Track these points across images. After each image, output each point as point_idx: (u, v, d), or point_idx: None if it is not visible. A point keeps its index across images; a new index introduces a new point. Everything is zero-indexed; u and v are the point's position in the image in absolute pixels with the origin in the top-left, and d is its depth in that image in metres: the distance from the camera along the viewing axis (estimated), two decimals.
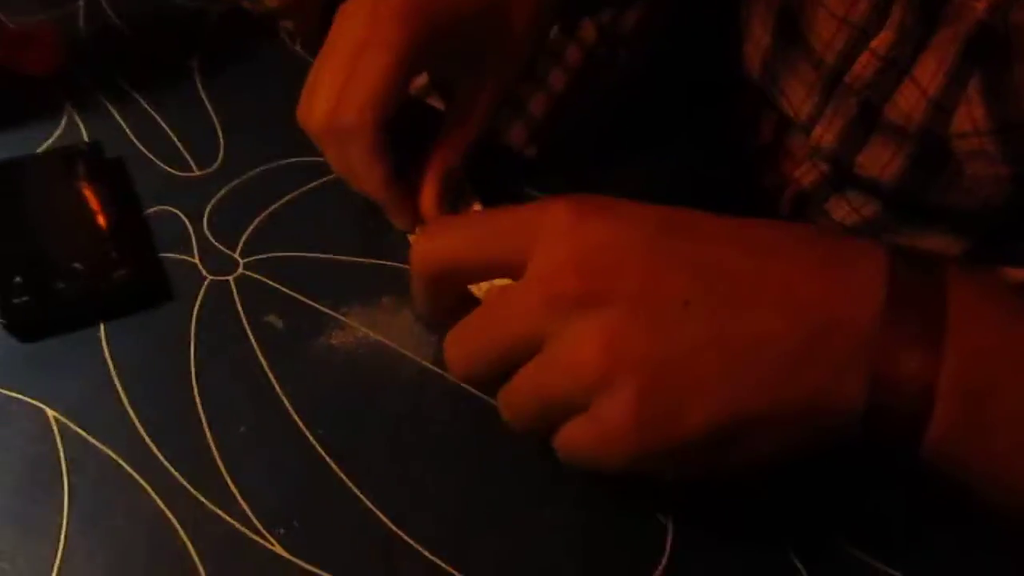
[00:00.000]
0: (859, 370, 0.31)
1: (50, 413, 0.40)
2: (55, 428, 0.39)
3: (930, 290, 0.32)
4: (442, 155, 0.46)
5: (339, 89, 0.42)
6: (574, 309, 0.31)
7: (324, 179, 0.52)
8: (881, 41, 0.44)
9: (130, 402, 0.40)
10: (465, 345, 0.35)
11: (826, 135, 0.49)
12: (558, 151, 0.54)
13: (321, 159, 0.52)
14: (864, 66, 0.45)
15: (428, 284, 0.37)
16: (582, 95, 0.69)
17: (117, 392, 0.41)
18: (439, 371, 0.43)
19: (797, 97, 0.52)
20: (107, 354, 0.42)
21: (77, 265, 0.44)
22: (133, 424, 0.39)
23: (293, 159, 0.53)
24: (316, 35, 0.63)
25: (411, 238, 0.48)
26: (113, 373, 0.41)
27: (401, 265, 0.47)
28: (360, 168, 0.44)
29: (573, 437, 0.32)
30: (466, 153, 0.47)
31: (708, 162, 0.69)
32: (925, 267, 0.32)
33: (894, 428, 0.31)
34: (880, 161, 0.47)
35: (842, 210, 0.53)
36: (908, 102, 0.44)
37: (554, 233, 0.33)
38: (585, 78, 0.72)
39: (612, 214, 0.33)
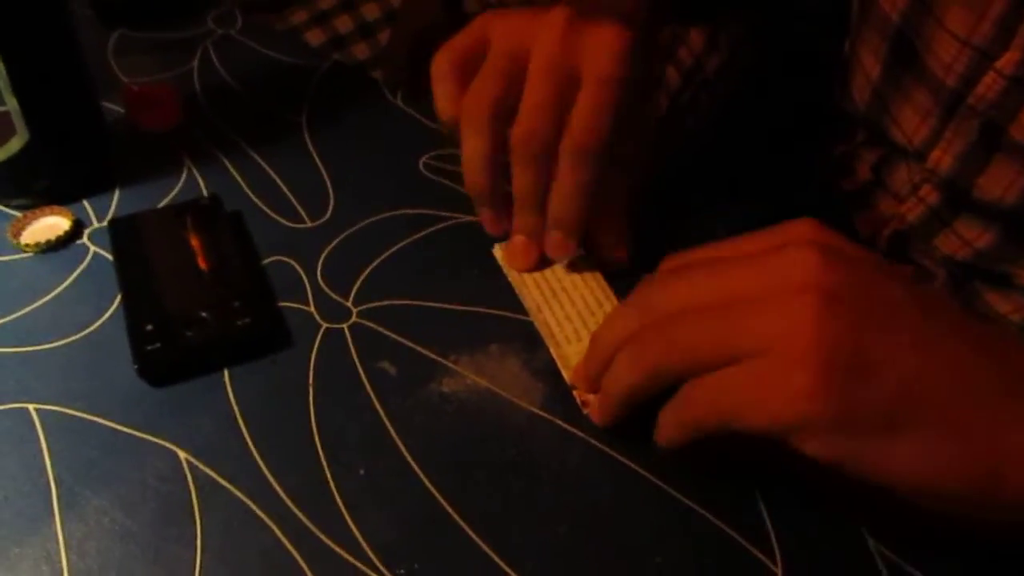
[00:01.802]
0: None
1: (181, 455, 0.42)
2: (186, 468, 0.41)
3: None
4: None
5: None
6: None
7: (429, 230, 0.54)
8: (1007, 61, 0.44)
9: (254, 444, 0.42)
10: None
11: (944, 158, 0.49)
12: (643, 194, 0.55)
13: (426, 210, 0.54)
14: (988, 87, 0.45)
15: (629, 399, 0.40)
16: (665, 138, 0.70)
17: (242, 434, 0.43)
18: (547, 416, 0.44)
19: (911, 123, 0.52)
20: (232, 398, 0.44)
21: (204, 314, 0.46)
22: (258, 465, 0.41)
23: (399, 211, 0.55)
24: (406, 84, 0.66)
25: (497, 250, 0.50)
26: (238, 416, 0.43)
27: (505, 313, 0.49)
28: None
29: (739, 382, 0.34)
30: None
31: (797, 208, 0.69)
32: None
33: None
34: (1003, 182, 0.47)
35: (952, 244, 0.53)
36: None
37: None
38: (669, 122, 0.73)
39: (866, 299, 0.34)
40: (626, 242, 0.50)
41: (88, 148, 0.55)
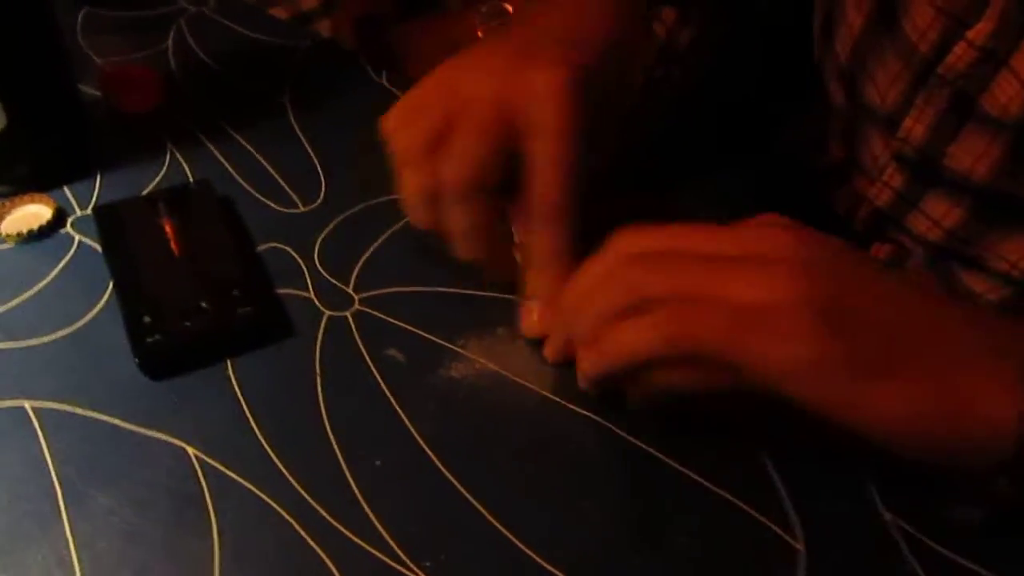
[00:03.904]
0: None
1: (190, 450, 0.41)
2: (196, 464, 0.40)
3: None
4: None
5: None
6: None
7: None
8: (979, 32, 0.44)
9: (265, 437, 0.41)
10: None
11: (916, 127, 0.49)
12: (617, 171, 0.55)
13: None
14: (959, 57, 0.45)
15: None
16: (639, 113, 0.70)
17: (251, 427, 0.42)
18: (559, 400, 0.44)
19: (884, 86, 0.52)
20: (237, 390, 0.43)
21: (203, 304, 0.45)
22: (271, 459, 0.40)
23: (394, 194, 0.54)
24: (350, 41, 0.64)
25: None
26: (245, 408, 0.42)
27: (510, 296, 0.48)
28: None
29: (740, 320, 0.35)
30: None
31: (772, 184, 0.70)
32: None
33: None
34: (973, 153, 0.47)
35: (922, 224, 0.53)
36: (1006, 94, 0.44)
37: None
38: (643, 97, 0.73)
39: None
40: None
41: (67, 132, 0.53)
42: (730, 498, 0.40)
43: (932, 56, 0.47)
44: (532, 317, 0.45)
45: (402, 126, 0.46)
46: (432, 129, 0.44)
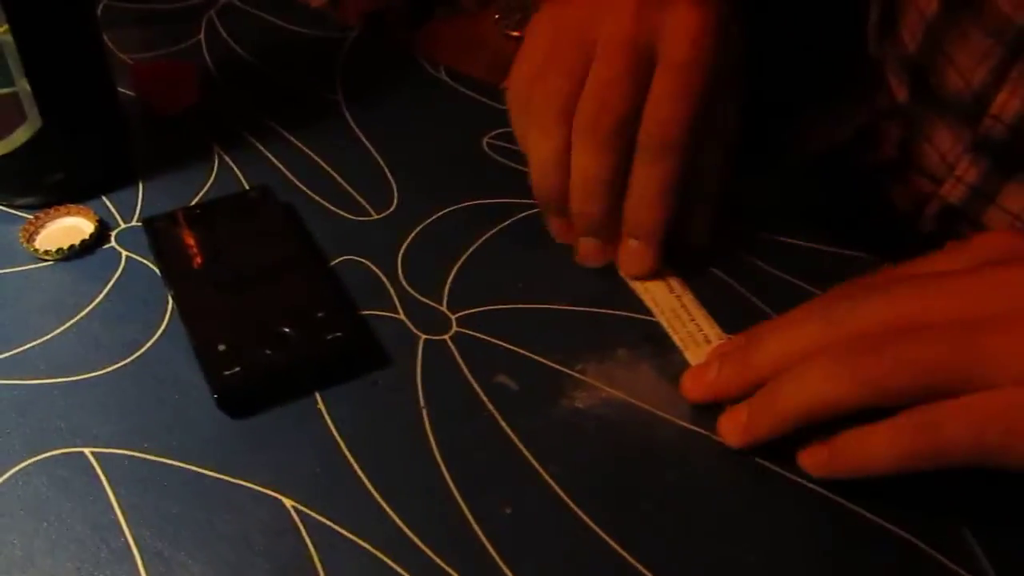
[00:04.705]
0: None
1: (287, 502, 0.34)
2: (296, 519, 0.34)
3: None
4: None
5: None
6: None
7: (512, 219, 0.48)
8: None
9: (372, 483, 0.35)
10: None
11: (1011, 102, 0.46)
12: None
13: (505, 198, 0.48)
14: None
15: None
16: None
17: (354, 472, 0.36)
18: (702, 431, 0.38)
19: (969, 66, 0.49)
20: (332, 428, 0.37)
21: (285, 329, 0.39)
22: (382, 509, 0.34)
23: (474, 200, 0.48)
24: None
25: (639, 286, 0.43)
26: (344, 450, 0.36)
27: (624, 313, 0.43)
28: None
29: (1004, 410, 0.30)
30: None
31: (827, 178, 0.65)
32: None
33: None
34: None
35: (1001, 221, 0.50)
36: None
37: None
38: None
39: None
40: (710, 227, 0.45)
41: (105, 135, 0.47)
42: (915, 541, 0.35)
43: None
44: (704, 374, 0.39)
45: (532, 86, 0.42)
46: (566, 86, 0.40)
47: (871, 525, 0.35)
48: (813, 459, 0.35)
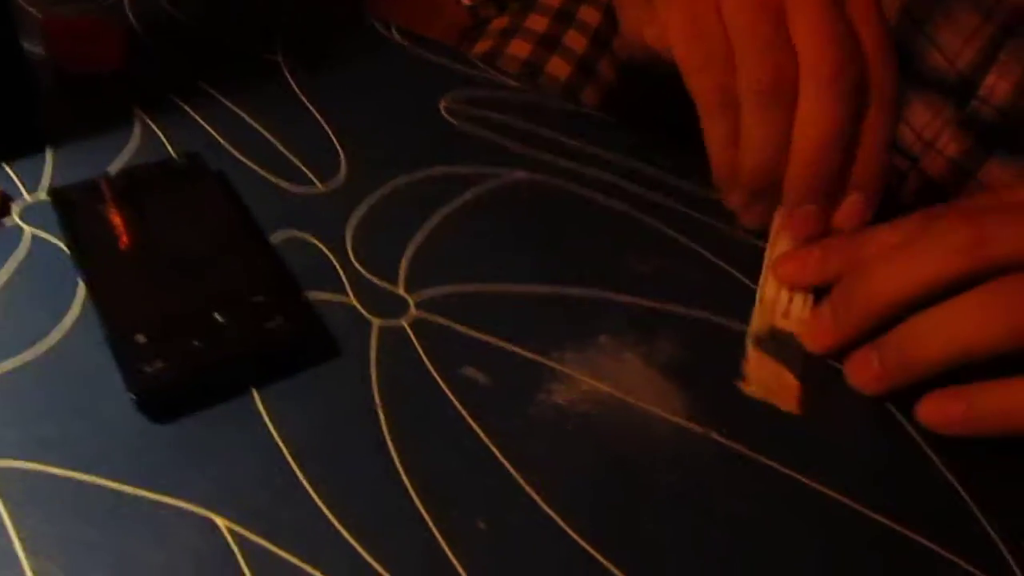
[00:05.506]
0: None
1: (220, 522, 0.29)
2: (231, 542, 0.29)
3: None
4: None
5: None
6: None
7: (476, 190, 0.42)
8: None
9: (321, 498, 0.30)
10: None
11: (1001, 84, 0.45)
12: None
13: (467, 167, 0.43)
14: None
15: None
16: None
17: (301, 485, 0.30)
18: (697, 428, 0.34)
19: (954, 47, 0.47)
20: (273, 431, 0.32)
21: (216, 315, 0.33)
22: (336, 530, 0.29)
23: (432, 168, 0.43)
24: None
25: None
26: (288, 457, 0.31)
27: (605, 294, 0.38)
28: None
29: None
30: None
31: None
32: None
33: None
34: None
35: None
36: None
37: None
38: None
39: None
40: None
41: (8, 96, 0.41)
42: (931, 545, 0.31)
43: (1021, 4, 0.43)
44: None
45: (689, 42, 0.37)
46: (780, 56, 0.36)
47: (885, 529, 0.31)
48: (942, 413, 0.33)
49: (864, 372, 0.34)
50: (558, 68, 0.65)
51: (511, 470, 0.31)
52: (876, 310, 0.34)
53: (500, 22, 0.71)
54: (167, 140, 0.43)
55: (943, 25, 0.48)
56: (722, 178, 0.39)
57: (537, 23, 0.68)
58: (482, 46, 0.69)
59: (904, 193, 0.54)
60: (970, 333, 0.31)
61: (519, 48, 0.67)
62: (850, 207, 0.38)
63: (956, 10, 0.47)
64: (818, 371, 0.36)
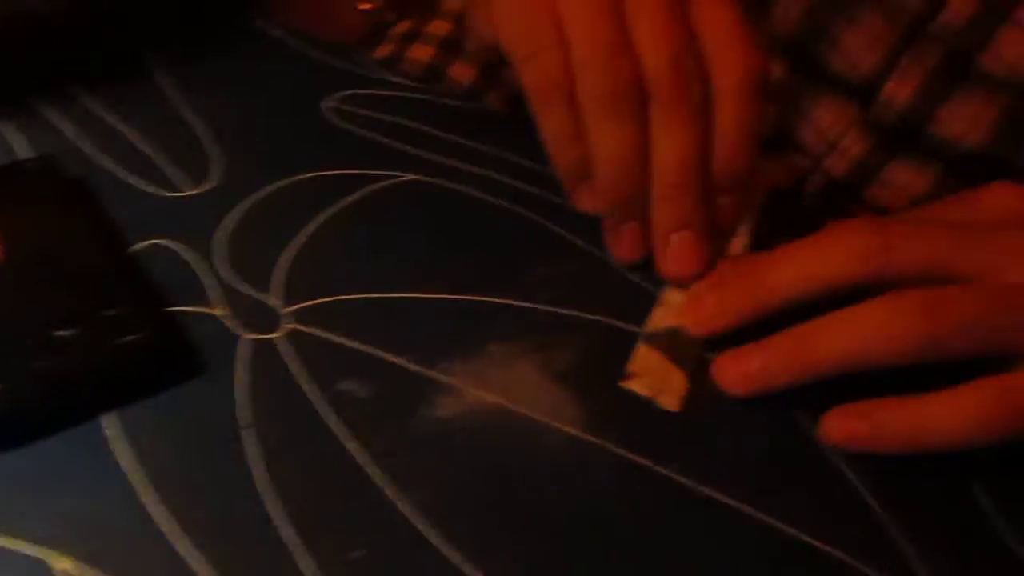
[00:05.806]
0: None
1: (57, 567, 0.26)
2: None
3: None
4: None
5: None
6: None
7: (360, 193, 0.40)
8: None
9: (174, 533, 0.27)
10: None
11: (901, 90, 0.45)
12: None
13: (351, 169, 0.40)
14: (956, 12, 0.41)
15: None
16: None
17: (149, 518, 0.27)
18: (594, 439, 0.32)
19: (857, 50, 0.47)
20: (122, 461, 0.29)
21: (62, 332, 0.30)
22: (190, 569, 0.26)
23: (313, 172, 0.41)
24: None
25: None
26: (137, 490, 0.28)
27: (497, 300, 0.36)
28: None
29: None
30: None
31: None
32: None
33: None
34: (965, 117, 0.42)
35: (884, 195, 0.48)
36: (1014, 51, 0.40)
37: None
38: None
39: None
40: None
41: None
42: (835, 552, 0.30)
43: (925, 13, 0.43)
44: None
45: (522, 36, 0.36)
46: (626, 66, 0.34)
47: (795, 542, 0.30)
48: (846, 431, 0.32)
49: (737, 368, 0.33)
50: (461, 72, 0.64)
51: (387, 491, 0.29)
52: (765, 300, 0.33)
53: (402, 26, 0.69)
54: (15, 143, 0.39)
55: (847, 29, 0.48)
56: (565, 179, 0.38)
57: (439, 27, 0.66)
58: (383, 50, 0.67)
59: (806, 193, 0.54)
60: (872, 340, 0.31)
61: (421, 52, 0.65)
62: (720, 212, 0.37)
63: (860, 14, 0.47)
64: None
